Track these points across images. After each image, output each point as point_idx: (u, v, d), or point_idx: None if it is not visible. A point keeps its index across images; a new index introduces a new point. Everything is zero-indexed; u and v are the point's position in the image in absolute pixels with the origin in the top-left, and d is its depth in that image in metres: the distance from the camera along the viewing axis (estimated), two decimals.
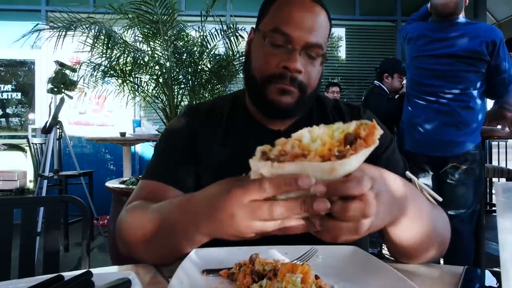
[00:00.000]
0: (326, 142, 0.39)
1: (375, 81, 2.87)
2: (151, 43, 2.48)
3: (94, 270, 0.49)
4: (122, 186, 2.31)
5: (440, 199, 0.64)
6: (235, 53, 2.64)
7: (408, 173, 0.67)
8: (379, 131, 0.39)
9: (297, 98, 0.71)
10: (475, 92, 1.84)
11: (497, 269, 0.50)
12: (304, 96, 0.71)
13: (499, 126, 2.33)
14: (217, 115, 0.80)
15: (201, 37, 2.57)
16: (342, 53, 5.12)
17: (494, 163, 4.62)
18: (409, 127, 2.02)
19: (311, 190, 0.39)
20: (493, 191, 4.04)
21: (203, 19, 2.51)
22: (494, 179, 3.51)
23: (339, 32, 5.08)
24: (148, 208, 0.61)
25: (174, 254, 0.58)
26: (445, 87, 1.87)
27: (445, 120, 1.86)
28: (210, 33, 2.57)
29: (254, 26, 0.78)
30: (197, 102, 2.50)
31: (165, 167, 0.75)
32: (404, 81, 2.61)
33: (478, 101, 1.86)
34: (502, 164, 4.61)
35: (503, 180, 3.23)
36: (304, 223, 0.43)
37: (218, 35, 2.59)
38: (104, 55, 2.40)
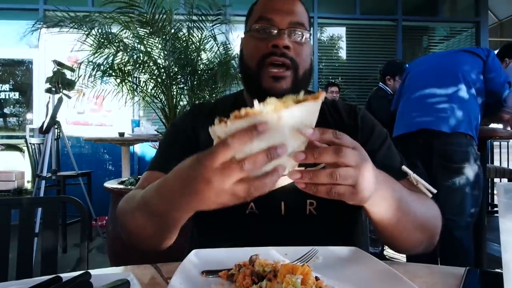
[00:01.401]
0: (277, 106, 0.43)
1: (380, 83, 2.97)
2: (148, 42, 2.47)
3: (92, 271, 0.49)
4: (121, 186, 2.30)
5: (435, 191, 0.67)
6: (229, 53, 2.64)
7: (404, 167, 0.69)
8: (323, 95, 0.46)
9: (291, 81, 0.73)
10: (472, 87, 1.87)
11: (499, 270, 0.50)
12: (298, 77, 0.74)
13: (501, 126, 2.34)
14: (219, 113, 0.82)
15: (197, 36, 2.56)
16: (342, 52, 5.13)
17: (496, 163, 4.62)
18: (401, 114, 2.07)
19: (308, 136, 0.45)
20: (495, 192, 4.03)
21: (191, 17, 2.50)
22: (496, 180, 3.51)
23: (340, 31, 5.08)
24: (137, 195, 0.65)
25: (165, 236, 0.61)
26: (444, 79, 1.91)
27: (438, 108, 1.88)
28: (197, 27, 2.54)
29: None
30: (200, 101, 2.51)
31: (168, 158, 0.79)
32: None
33: (475, 96, 1.88)
34: (504, 165, 4.61)
35: (504, 180, 3.24)
36: (276, 177, 0.45)
37: (205, 26, 2.56)
38: (99, 51, 2.38)
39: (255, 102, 0.44)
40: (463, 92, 1.86)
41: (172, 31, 2.45)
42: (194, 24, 2.51)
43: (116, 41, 2.40)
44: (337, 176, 0.46)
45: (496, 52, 2.19)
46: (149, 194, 0.58)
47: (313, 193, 0.48)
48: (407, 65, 2.32)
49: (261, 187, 0.45)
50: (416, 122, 1.92)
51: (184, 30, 2.55)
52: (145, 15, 2.31)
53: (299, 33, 0.74)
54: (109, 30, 2.38)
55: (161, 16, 2.34)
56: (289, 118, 0.43)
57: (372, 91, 3.07)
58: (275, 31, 0.73)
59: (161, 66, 2.45)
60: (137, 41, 2.49)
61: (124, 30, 2.43)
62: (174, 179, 0.51)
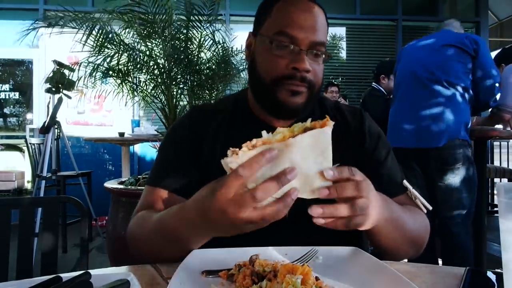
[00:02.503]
0: (286, 135, 0.47)
1: (373, 83, 2.95)
2: (148, 42, 2.47)
3: (92, 271, 0.49)
4: (121, 186, 2.30)
5: (430, 207, 0.72)
6: (230, 50, 2.64)
7: (405, 181, 0.73)
8: (331, 123, 0.48)
9: (306, 97, 0.73)
10: (460, 89, 1.87)
11: (499, 270, 0.50)
12: (312, 95, 0.75)
13: (500, 126, 2.34)
14: (221, 116, 0.82)
15: (197, 36, 2.56)
16: (342, 52, 5.12)
17: (496, 163, 4.62)
18: (393, 124, 2.07)
19: (328, 178, 0.49)
20: (495, 192, 4.04)
21: (190, 17, 2.49)
22: (496, 180, 3.50)
23: (340, 31, 5.08)
24: (151, 219, 0.67)
25: (180, 255, 0.60)
26: (432, 79, 1.90)
27: (428, 113, 1.88)
28: (196, 27, 2.53)
29: (251, 30, 0.81)
30: (201, 103, 2.50)
31: (169, 174, 0.76)
32: None
33: (464, 97, 1.89)
34: (504, 165, 4.61)
35: (504, 180, 3.23)
36: (284, 204, 0.48)
37: (203, 25, 2.55)
38: (100, 51, 2.38)
39: (263, 132, 0.47)
40: (454, 96, 1.86)
41: (173, 32, 2.44)
42: (193, 24, 2.50)
43: (117, 40, 2.40)
44: (356, 208, 0.51)
45: (493, 56, 2.18)
46: (167, 219, 0.61)
47: (333, 228, 0.52)
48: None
49: (276, 213, 0.47)
50: (410, 140, 1.93)
51: (184, 30, 2.55)
52: (147, 14, 2.31)
53: (319, 53, 0.73)
54: (111, 30, 2.38)
55: (162, 16, 2.33)
56: (297, 145, 0.46)
57: (367, 90, 3.08)
58: (295, 48, 0.70)
59: (161, 66, 2.45)
60: (137, 41, 2.49)
61: (126, 30, 2.43)
62: (191, 209, 0.54)
